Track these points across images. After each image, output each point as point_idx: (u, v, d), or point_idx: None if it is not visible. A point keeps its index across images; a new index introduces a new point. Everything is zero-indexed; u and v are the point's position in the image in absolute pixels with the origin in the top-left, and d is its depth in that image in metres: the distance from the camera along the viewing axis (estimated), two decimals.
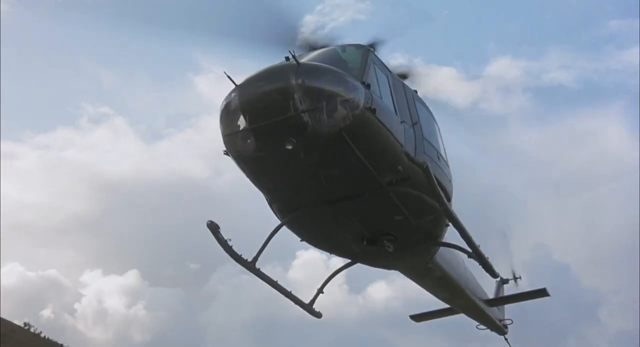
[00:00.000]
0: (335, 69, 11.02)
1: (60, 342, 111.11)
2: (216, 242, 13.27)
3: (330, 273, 15.65)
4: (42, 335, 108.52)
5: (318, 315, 15.94)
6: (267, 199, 12.73)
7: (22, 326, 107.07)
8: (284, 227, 13.35)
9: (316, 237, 13.64)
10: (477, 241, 13.83)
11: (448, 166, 13.62)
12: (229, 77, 10.56)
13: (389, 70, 12.84)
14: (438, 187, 11.67)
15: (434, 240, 13.79)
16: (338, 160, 10.93)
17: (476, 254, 14.11)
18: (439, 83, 15.28)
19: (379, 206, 12.05)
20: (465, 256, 15.83)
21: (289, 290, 15.06)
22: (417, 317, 22.07)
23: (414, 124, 12.32)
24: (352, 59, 11.93)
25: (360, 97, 10.59)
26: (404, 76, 13.83)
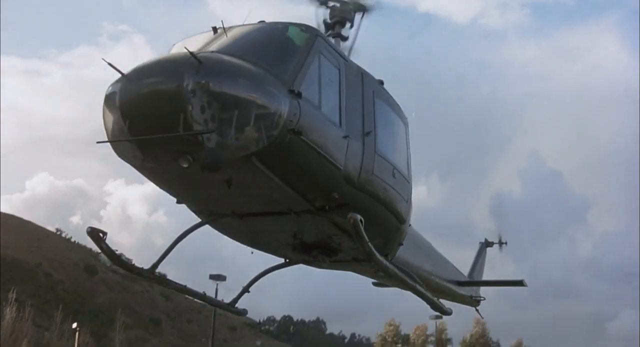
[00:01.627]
0: (250, 67, 8.01)
1: (88, 246, 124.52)
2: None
3: (261, 271, 12.83)
4: (73, 240, 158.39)
5: (242, 313, 14.04)
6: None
7: (55, 231, 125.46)
8: None
9: (245, 240, 11.35)
10: (415, 280, 11.91)
11: (408, 182, 11.05)
12: (111, 65, 7.78)
13: (345, 59, 9.91)
14: (367, 244, 9.23)
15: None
16: (251, 183, 8.71)
17: (417, 294, 12.43)
18: None
19: (312, 224, 9.91)
20: (430, 244, 15.67)
21: (202, 291, 12.82)
22: (380, 284, 18.62)
23: (365, 135, 9.64)
24: (290, 49, 8.75)
25: (281, 112, 7.80)
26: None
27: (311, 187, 9.05)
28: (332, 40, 11.00)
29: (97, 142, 8.13)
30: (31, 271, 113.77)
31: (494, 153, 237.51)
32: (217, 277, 48.19)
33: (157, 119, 7.55)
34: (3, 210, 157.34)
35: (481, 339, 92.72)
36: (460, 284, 18.55)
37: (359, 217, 8.93)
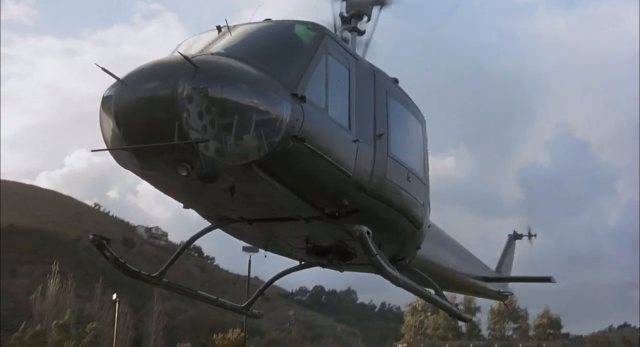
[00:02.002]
0: (250, 70, 7.59)
1: (125, 220, 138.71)
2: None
3: (275, 274, 12.63)
4: (110, 214, 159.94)
5: (257, 316, 13.77)
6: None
7: (93, 206, 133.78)
8: None
9: (258, 244, 11.18)
10: (433, 286, 11.49)
11: (424, 184, 10.59)
12: (105, 70, 7.35)
13: (356, 58, 9.38)
14: (375, 257, 8.73)
15: (398, 262, 10.68)
16: (255, 191, 8.29)
17: (434, 304, 12.04)
18: None
19: (323, 230, 9.48)
20: (453, 240, 15.06)
21: (215, 297, 12.50)
22: None
23: (377, 137, 9.16)
24: (295, 49, 8.29)
25: (283, 118, 7.38)
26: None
27: (319, 195, 8.56)
28: (348, 34, 10.87)
29: (92, 151, 8.04)
30: (72, 245, 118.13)
31: (523, 124, 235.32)
32: (250, 250, 49.35)
33: (152, 127, 7.09)
34: (44, 186, 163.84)
35: (509, 307, 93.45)
36: (487, 280, 17.85)
37: (365, 229, 8.41)
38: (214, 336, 72.58)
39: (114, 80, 7.34)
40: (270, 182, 7.88)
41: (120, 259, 10.39)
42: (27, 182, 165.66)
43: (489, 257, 20.91)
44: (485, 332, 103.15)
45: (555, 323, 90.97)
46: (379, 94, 9.60)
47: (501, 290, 19.58)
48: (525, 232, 23.16)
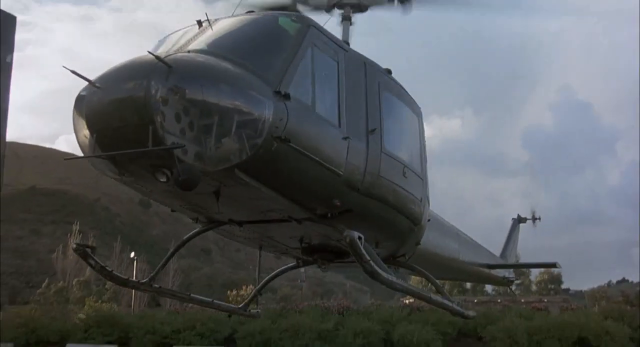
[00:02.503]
0: (228, 68, 7.07)
1: None
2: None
3: (272, 274, 12.50)
4: None
5: (256, 316, 13.09)
6: None
7: None
8: None
9: (252, 245, 10.76)
10: (434, 282, 11.50)
11: (421, 178, 10.08)
12: (75, 73, 6.90)
13: (345, 50, 8.78)
14: (369, 263, 8.02)
15: (397, 259, 10.52)
16: (240, 194, 7.83)
17: (435, 305, 11.40)
18: None
19: (317, 230, 9.07)
20: (456, 229, 14.67)
21: (210, 300, 11.95)
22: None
23: (369, 133, 8.70)
24: (277, 43, 7.76)
25: (265, 118, 6.92)
26: None
27: (308, 196, 8.10)
28: (342, 24, 10.25)
29: (65, 159, 7.91)
30: (91, 205, 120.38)
31: (527, 87, 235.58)
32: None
33: (126, 132, 6.54)
34: (63, 149, 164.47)
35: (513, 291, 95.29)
36: (491, 267, 17.50)
37: (355, 235, 7.78)
38: (228, 292, 75.45)
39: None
40: (256, 185, 7.45)
41: (107, 268, 9.87)
42: (47, 145, 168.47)
43: (495, 218, 22.48)
44: (489, 288, 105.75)
45: (556, 279, 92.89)
46: (371, 87, 9.13)
47: (506, 275, 19.49)
48: (529, 216, 23.46)
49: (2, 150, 71.23)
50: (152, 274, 10.29)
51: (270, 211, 8.55)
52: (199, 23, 8.01)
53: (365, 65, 9.17)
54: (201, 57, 7.27)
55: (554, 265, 19.39)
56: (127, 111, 6.55)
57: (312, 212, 8.42)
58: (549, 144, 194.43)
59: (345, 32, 10.16)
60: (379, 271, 8.37)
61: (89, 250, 9.60)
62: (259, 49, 7.72)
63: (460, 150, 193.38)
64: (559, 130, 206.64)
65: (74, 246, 9.56)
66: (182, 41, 7.94)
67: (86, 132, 6.86)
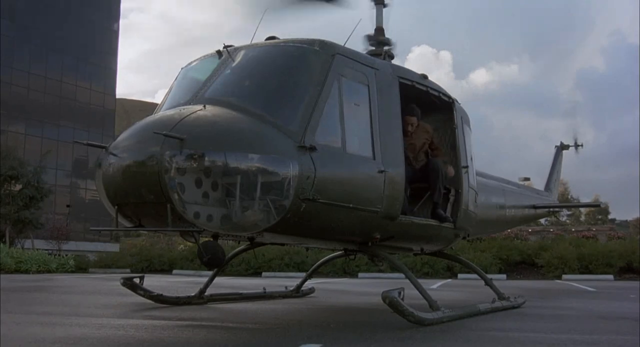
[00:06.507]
0: (246, 128, 6.14)
1: None
2: None
3: (321, 260, 11.92)
4: None
5: (309, 293, 12.03)
6: None
7: None
8: None
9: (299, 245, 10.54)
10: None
11: (474, 191, 9.49)
12: (89, 144, 6.72)
13: (376, 68, 7.60)
14: (412, 315, 6.68)
15: (441, 253, 9.97)
16: (275, 240, 7.75)
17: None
18: None
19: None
20: (498, 182, 14.00)
21: (263, 290, 11.11)
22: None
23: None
24: (300, 83, 6.73)
25: (290, 179, 6.00)
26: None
27: (344, 238, 7.51)
28: (375, 8, 9.14)
29: (91, 229, 8.06)
30: None
31: (580, 33, 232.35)
32: None
33: (145, 209, 5.91)
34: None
35: (563, 197, 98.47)
36: (537, 208, 17.30)
37: (394, 294, 6.59)
38: None
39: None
40: (287, 238, 7.18)
41: (153, 292, 9.40)
42: (149, 100, 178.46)
43: (548, 154, 23.09)
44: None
45: (603, 210, 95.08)
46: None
47: (551, 210, 19.25)
48: (572, 143, 22.81)
49: (113, 105, 76.91)
50: (201, 288, 9.85)
51: (311, 247, 9.49)
52: (219, 53, 7.24)
53: (400, 79, 8.05)
54: (217, 116, 6.16)
55: (597, 206, 19.78)
56: (143, 189, 5.76)
57: (352, 244, 7.97)
58: (601, 85, 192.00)
59: (379, 17, 9.21)
60: (424, 316, 6.98)
61: (137, 280, 9.35)
62: (279, 93, 6.68)
63: (518, 94, 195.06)
64: (610, 71, 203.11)
65: (121, 281, 9.28)
66: (199, 81, 7.07)
67: (108, 203, 6.19)
